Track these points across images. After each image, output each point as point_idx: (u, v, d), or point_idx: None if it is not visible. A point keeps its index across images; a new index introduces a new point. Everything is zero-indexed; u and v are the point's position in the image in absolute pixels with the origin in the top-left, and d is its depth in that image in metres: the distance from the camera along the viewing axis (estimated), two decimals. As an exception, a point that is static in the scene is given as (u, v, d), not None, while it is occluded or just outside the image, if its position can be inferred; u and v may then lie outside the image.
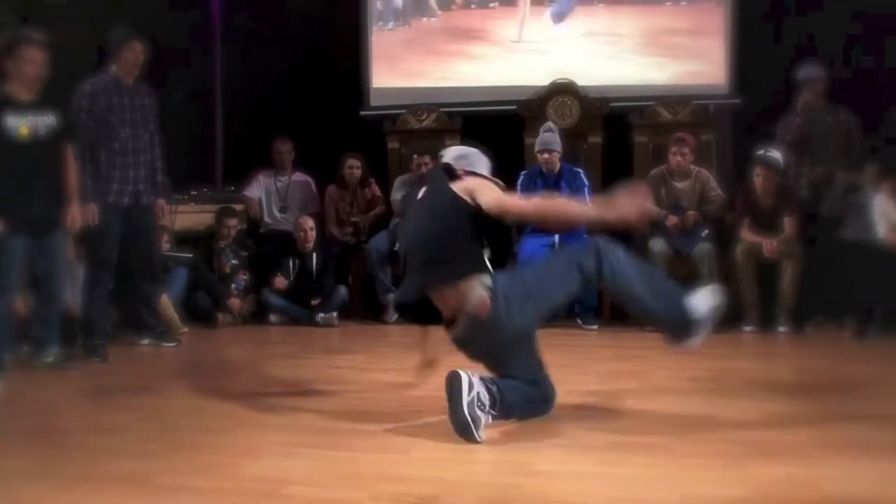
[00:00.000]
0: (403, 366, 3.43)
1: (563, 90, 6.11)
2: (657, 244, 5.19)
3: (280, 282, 5.65)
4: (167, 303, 5.00)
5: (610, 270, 2.69)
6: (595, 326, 5.13)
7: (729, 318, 5.09)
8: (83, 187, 4.14)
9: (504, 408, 2.62)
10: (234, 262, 5.68)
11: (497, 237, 2.91)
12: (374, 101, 6.73)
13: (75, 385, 3.71)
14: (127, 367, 4.17)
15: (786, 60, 5.43)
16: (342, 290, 5.67)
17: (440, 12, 6.70)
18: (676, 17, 6.35)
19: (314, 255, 5.72)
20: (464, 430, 2.54)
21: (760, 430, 2.69)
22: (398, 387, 3.36)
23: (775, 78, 5.50)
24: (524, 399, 2.71)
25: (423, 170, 5.90)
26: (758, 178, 5.09)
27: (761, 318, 5.06)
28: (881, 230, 4.76)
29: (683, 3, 6.34)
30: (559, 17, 6.43)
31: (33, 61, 3.88)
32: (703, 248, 5.15)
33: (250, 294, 5.72)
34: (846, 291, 4.81)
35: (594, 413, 2.93)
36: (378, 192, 6.14)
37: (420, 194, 2.96)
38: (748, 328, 5.04)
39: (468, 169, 2.92)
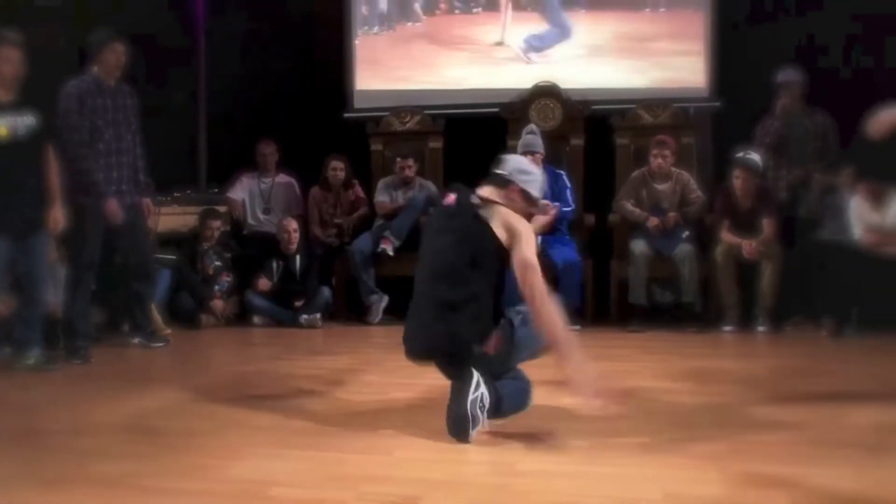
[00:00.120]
0: (387, 367, 3.45)
1: (545, 93, 6.15)
2: (638, 245, 5.24)
3: (263, 283, 5.65)
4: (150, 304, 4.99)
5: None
6: (577, 327, 5.16)
7: (709, 319, 5.20)
8: (91, 185, 4.14)
9: (497, 406, 2.65)
10: (217, 263, 5.67)
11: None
12: (357, 104, 6.74)
13: (57, 387, 3.71)
14: (110, 368, 4.15)
15: (765, 64, 5.49)
16: (325, 292, 5.68)
17: (424, 17, 6.75)
18: (657, 23, 6.41)
19: (297, 256, 5.72)
20: (460, 427, 2.56)
21: (740, 429, 2.73)
22: (382, 388, 3.38)
23: (754, 81, 5.56)
24: (513, 392, 2.73)
25: (407, 172, 5.93)
26: (737, 180, 5.15)
27: (741, 318, 5.12)
28: (857, 231, 4.82)
29: (662, 10, 6.40)
30: (536, 49, 6.49)
31: (9, 61, 3.87)
32: (683, 249, 5.20)
33: (233, 295, 5.71)
34: (824, 292, 4.88)
35: (577, 413, 2.95)
36: (361, 194, 6.15)
37: (447, 207, 2.89)
38: (728, 328, 5.09)
39: (522, 187, 2.83)
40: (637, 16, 6.43)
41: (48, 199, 3.99)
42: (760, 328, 5.05)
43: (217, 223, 5.74)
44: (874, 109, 3.41)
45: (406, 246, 5.63)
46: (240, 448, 2.59)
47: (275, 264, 5.70)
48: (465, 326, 2.66)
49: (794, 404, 3.09)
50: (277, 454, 2.52)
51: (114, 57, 4.38)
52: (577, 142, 6.08)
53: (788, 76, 5.39)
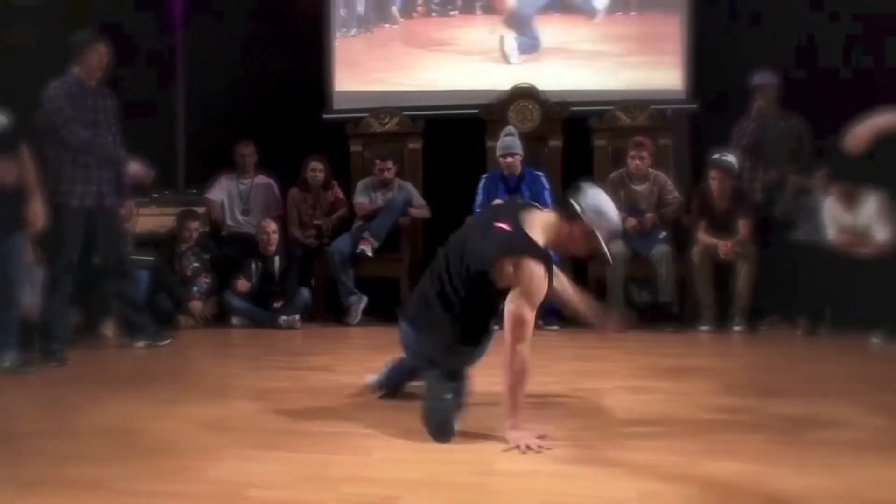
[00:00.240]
0: (366, 367, 3.45)
1: (524, 95, 6.18)
2: (616, 246, 5.27)
3: (242, 284, 5.63)
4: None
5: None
6: (556, 327, 5.19)
7: (686, 318, 5.24)
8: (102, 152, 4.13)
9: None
10: (195, 264, 5.65)
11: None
12: (336, 105, 6.74)
13: (33, 390, 3.68)
14: (86, 370, 4.12)
15: (741, 66, 5.55)
16: (305, 293, 5.68)
17: (402, 20, 6.79)
18: (635, 26, 6.47)
19: (276, 257, 5.71)
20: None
21: (715, 428, 2.76)
22: (361, 388, 3.38)
23: (730, 83, 5.62)
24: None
25: (386, 174, 5.94)
26: (713, 182, 5.20)
27: (717, 317, 5.17)
28: (830, 232, 4.89)
29: (640, 13, 6.46)
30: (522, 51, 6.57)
31: None
32: (660, 249, 5.25)
33: (212, 297, 5.69)
34: (798, 291, 4.95)
35: (554, 412, 2.98)
36: (341, 195, 6.15)
37: (494, 208, 3.00)
38: (704, 328, 5.15)
39: (591, 229, 2.67)
40: (615, 18, 6.50)
41: (25, 198, 3.96)
42: (736, 328, 5.10)
43: (195, 224, 5.72)
44: (848, 115, 3.45)
45: (385, 247, 5.65)
46: (218, 449, 2.58)
47: (254, 265, 5.69)
48: (440, 322, 2.77)
49: (768, 403, 3.13)
50: (256, 455, 2.51)
51: (96, 58, 4.36)
52: (556, 143, 6.12)
53: (764, 79, 5.46)
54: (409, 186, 6.02)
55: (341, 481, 2.25)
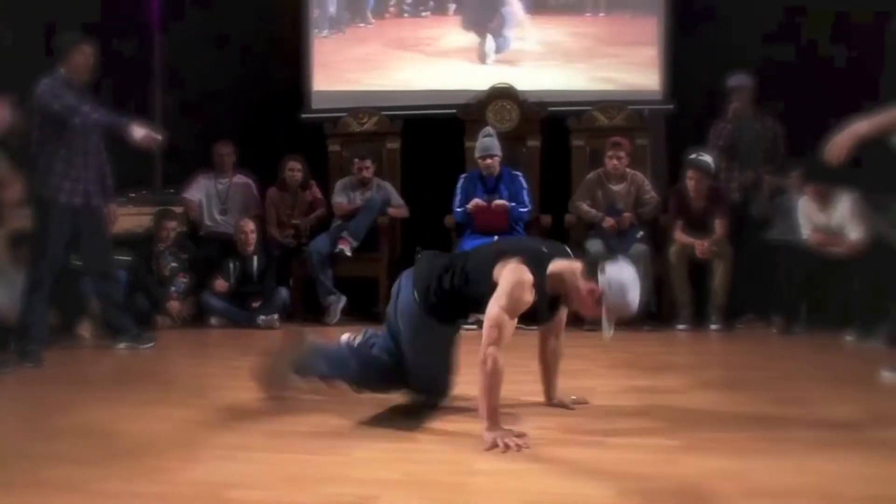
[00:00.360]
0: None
1: (502, 95, 6.20)
2: (594, 245, 5.30)
3: (220, 284, 5.61)
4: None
5: None
6: (534, 326, 5.20)
7: (663, 317, 5.29)
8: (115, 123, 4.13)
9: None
10: (173, 264, 5.61)
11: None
12: (315, 105, 6.73)
13: (9, 391, 3.65)
14: (62, 371, 4.09)
15: (717, 67, 5.59)
16: (283, 293, 5.66)
17: (374, 20, 6.81)
18: (612, 26, 6.52)
19: (255, 257, 5.70)
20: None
21: (693, 425, 2.79)
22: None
23: (707, 84, 5.66)
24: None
25: (364, 174, 5.93)
26: (690, 182, 5.25)
27: (694, 316, 5.22)
28: (805, 232, 4.95)
29: (617, 14, 6.51)
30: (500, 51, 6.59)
31: None
32: (638, 248, 5.28)
33: (190, 296, 5.66)
34: (774, 290, 5.00)
35: (532, 411, 2.99)
36: (319, 195, 6.14)
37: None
38: (681, 326, 5.19)
39: (602, 298, 2.63)
40: (592, 19, 6.54)
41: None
42: (713, 326, 5.15)
43: (172, 224, 5.69)
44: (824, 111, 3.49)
45: (363, 247, 5.65)
46: (196, 450, 2.57)
47: (232, 265, 5.66)
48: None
49: (744, 401, 3.16)
50: (234, 456, 2.51)
51: (82, 58, 4.33)
52: (534, 143, 6.14)
53: (740, 81, 5.51)
54: (388, 186, 6.02)
55: (320, 481, 2.25)
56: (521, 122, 6.16)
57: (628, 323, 5.06)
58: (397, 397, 3.06)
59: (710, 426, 2.79)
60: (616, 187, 5.53)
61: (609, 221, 5.35)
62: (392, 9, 6.80)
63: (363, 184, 5.94)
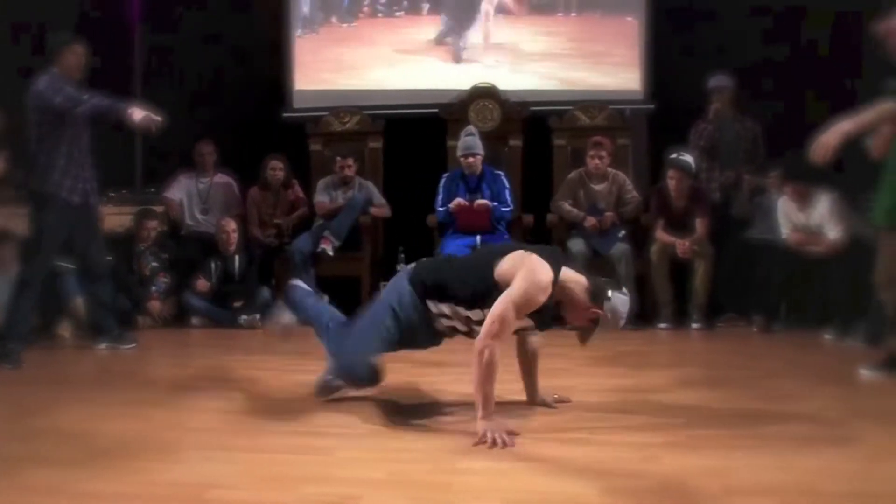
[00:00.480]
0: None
1: (484, 94, 6.21)
2: (576, 244, 5.33)
3: (202, 284, 5.58)
4: (80, 305, 4.88)
5: None
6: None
7: (645, 316, 5.31)
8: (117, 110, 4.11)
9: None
10: (154, 264, 5.58)
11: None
12: (296, 104, 6.71)
13: (-13, 392, 3.61)
14: (42, 372, 4.04)
15: (698, 67, 5.64)
16: (265, 292, 5.64)
17: (348, 20, 6.82)
18: (593, 26, 6.55)
19: (236, 256, 5.67)
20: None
21: (675, 424, 2.80)
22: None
23: (687, 84, 5.70)
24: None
25: (347, 172, 5.92)
26: (671, 181, 5.28)
27: (675, 315, 5.25)
28: (784, 231, 4.99)
29: (598, 14, 6.53)
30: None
31: None
32: (619, 248, 5.31)
33: (171, 296, 5.63)
34: (754, 289, 5.04)
35: (515, 410, 2.99)
36: (301, 194, 6.13)
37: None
38: (663, 325, 5.22)
39: (600, 318, 2.71)
40: (574, 19, 6.56)
41: None
42: (694, 325, 5.19)
43: (153, 223, 5.66)
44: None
45: (346, 246, 5.64)
46: (176, 451, 2.55)
47: (213, 265, 5.64)
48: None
49: (725, 399, 3.18)
50: (215, 456, 2.49)
51: (74, 58, 4.31)
52: (516, 143, 6.16)
53: (720, 82, 5.56)
54: (370, 185, 6.02)
55: (302, 481, 2.24)
56: (503, 122, 6.17)
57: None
58: (378, 393, 3.06)
59: (692, 424, 2.80)
60: (598, 187, 5.55)
61: (591, 221, 5.37)
62: (366, 8, 6.80)
63: (345, 183, 5.93)
